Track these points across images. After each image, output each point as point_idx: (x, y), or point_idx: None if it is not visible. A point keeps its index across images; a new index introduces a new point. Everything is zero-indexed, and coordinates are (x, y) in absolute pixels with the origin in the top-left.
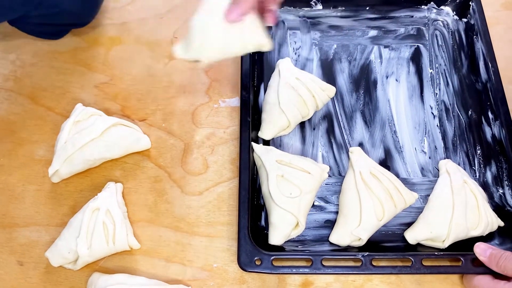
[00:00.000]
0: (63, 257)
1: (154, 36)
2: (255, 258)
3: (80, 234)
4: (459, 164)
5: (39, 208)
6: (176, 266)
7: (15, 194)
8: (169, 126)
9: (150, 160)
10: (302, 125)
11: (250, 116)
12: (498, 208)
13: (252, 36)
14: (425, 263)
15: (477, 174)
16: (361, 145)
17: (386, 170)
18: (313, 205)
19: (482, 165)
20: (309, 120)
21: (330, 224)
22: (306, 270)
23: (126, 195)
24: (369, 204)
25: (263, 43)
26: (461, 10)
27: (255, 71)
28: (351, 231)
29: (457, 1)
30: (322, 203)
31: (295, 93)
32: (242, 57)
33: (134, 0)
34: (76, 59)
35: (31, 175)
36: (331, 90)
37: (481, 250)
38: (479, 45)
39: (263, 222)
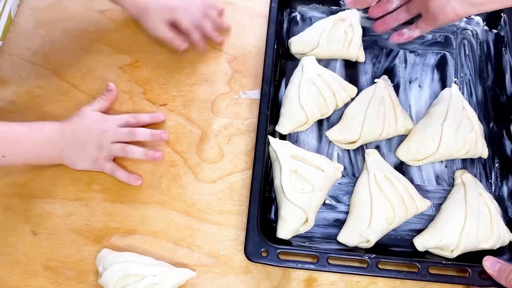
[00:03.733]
0: (303, 46)
1: None
2: (262, 249)
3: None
4: (475, 176)
5: (56, 182)
6: (184, 250)
7: (35, 166)
8: (189, 113)
9: (167, 144)
10: (320, 122)
11: (269, 110)
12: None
13: None
14: (432, 271)
15: (493, 187)
16: (377, 148)
17: (401, 175)
18: (324, 203)
19: (499, 179)
20: (328, 118)
21: (339, 224)
22: (312, 266)
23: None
24: (380, 207)
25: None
26: (492, 21)
27: (278, 65)
28: (360, 232)
29: (488, 11)
30: (334, 202)
31: (316, 90)
32: (266, 51)
33: None
34: (104, 39)
35: None
36: (352, 90)
37: (490, 264)
38: (507, 58)
39: (272, 215)
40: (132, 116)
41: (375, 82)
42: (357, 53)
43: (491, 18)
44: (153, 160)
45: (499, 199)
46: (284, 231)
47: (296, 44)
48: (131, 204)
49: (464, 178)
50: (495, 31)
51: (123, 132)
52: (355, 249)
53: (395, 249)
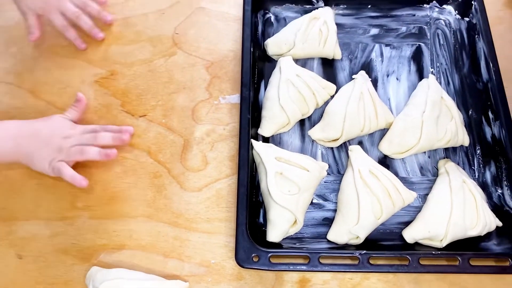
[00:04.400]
0: (279, 47)
1: (155, 31)
2: (253, 254)
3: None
4: (458, 164)
5: (39, 202)
6: (174, 262)
7: (16, 188)
8: (169, 122)
9: (150, 155)
10: (302, 122)
11: (250, 113)
12: (497, 208)
13: None
14: (423, 262)
15: (477, 174)
16: (360, 143)
17: (385, 169)
18: (312, 203)
19: (481, 165)
20: (309, 117)
21: (328, 222)
22: (304, 267)
23: (125, 190)
24: (367, 202)
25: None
26: (464, 9)
27: (256, 68)
28: (349, 229)
29: (460, 0)
30: (321, 201)
31: (296, 90)
32: (242, 54)
33: None
34: (78, 53)
35: (31, 170)
36: (331, 88)
37: None
38: (481, 45)
39: (261, 219)
40: (99, 126)
41: (353, 78)
42: (333, 50)
43: (463, 7)
44: (107, 159)
45: (483, 185)
46: (274, 234)
47: (272, 45)
48: (117, 219)
49: (448, 167)
50: (467, 19)
51: (85, 137)
52: (345, 247)
53: (385, 243)
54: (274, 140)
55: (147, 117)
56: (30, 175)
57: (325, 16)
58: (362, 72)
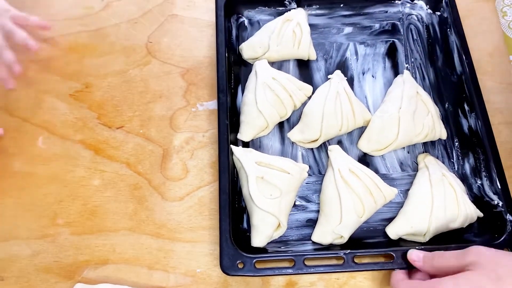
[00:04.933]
0: (254, 51)
1: (128, 41)
2: (238, 261)
3: (272, 34)
4: (437, 157)
5: (18, 222)
6: (159, 273)
7: None
8: (147, 132)
9: (129, 167)
10: (281, 125)
11: (228, 119)
12: (477, 199)
13: None
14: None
15: (456, 167)
16: (340, 143)
17: (365, 167)
18: (295, 205)
19: (460, 157)
20: (288, 120)
21: (312, 223)
22: (289, 270)
23: (105, 203)
24: (349, 201)
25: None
26: (435, 4)
27: (232, 73)
28: (333, 229)
29: None
30: (304, 203)
31: (272, 93)
32: (217, 60)
33: (107, 6)
34: (50, 68)
35: (8, 188)
36: (308, 89)
37: (415, 256)
38: (453, 38)
39: (245, 225)
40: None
41: (329, 78)
42: (308, 51)
43: (434, 1)
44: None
45: (463, 177)
46: (258, 239)
47: (247, 49)
48: (99, 233)
49: (427, 161)
50: (438, 13)
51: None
52: (330, 247)
53: (370, 241)
54: (254, 144)
55: (124, 129)
56: (7, 194)
57: (298, 17)
58: (338, 72)
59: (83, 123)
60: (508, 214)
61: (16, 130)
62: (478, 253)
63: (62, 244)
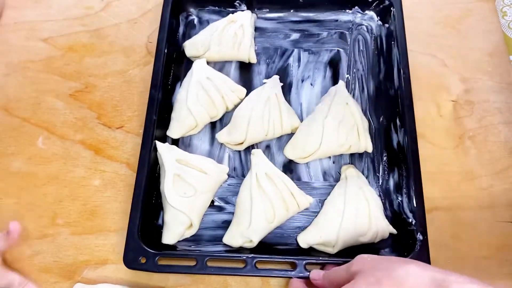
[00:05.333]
0: (196, 49)
1: (128, 41)
2: (141, 256)
3: (214, 34)
4: (363, 170)
5: (18, 221)
6: (159, 274)
7: None
8: None
9: (128, 167)
10: (213, 125)
11: (156, 114)
12: (396, 215)
13: None
14: (309, 267)
15: (380, 181)
16: (268, 147)
17: (283, 174)
18: (213, 206)
19: (386, 172)
20: (221, 120)
21: (227, 225)
22: (190, 270)
23: (105, 203)
24: (260, 206)
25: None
26: (384, 15)
27: (171, 69)
28: (242, 232)
29: (381, 6)
30: (222, 204)
31: (205, 93)
32: (156, 55)
33: (107, 6)
34: (50, 67)
35: (8, 188)
36: (241, 91)
37: (316, 276)
38: (395, 51)
39: (160, 221)
40: None
41: (264, 83)
42: (248, 54)
43: (384, 13)
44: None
45: (386, 192)
46: (168, 236)
47: (189, 47)
48: (99, 233)
49: (348, 172)
50: (387, 25)
51: None
52: (240, 250)
53: (281, 247)
54: (184, 142)
55: (124, 129)
56: (6, 194)
57: (243, 19)
58: (275, 77)
59: (83, 123)
60: (419, 234)
61: (16, 130)
62: (361, 261)
63: (62, 244)
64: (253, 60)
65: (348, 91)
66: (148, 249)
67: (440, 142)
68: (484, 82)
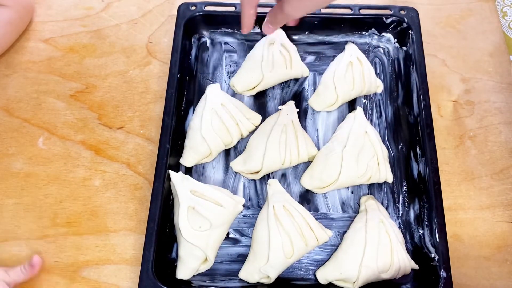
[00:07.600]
0: (248, 83)
1: (128, 42)
2: None
3: (262, 62)
4: (382, 201)
5: (18, 222)
6: None
7: None
8: (148, 133)
9: (129, 168)
10: (227, 152)
11: (170, 143)
12: (417, 249)
13: None
14: None
15: (400, 212)
16: (284, 176)
17: (301, 206)
18: (228, 238)
19: (406, 203)
20: (235, 147)
21: (243, 259)
22: None
23: (106, 204)
24: (278, 241)
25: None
26: (402, 38)
27: (184, 94)
28: (259, 268)
29: (398, 28)
30: (238, 236)
31: (219, 120)
32: (169, 81)
33: (107, 7)
34: (51, 68)
35: (8, 189)
36: (256, 118)
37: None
38: (414, 77)
39: (174, 254)
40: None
41: (280, 109)
42: (301, 68)
43: (401, 35)
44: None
45: (406, 224)
46: (183, 271)
47: (239, 84)
48: (99, 234)
49: (368, 204)
50: (405, 48)
51: None
52: (257, 286)
53: (299, 283)
54: (197, 170)
55: (124, 129)
56: (7, 195)
57: (280, 38)
58: (291, 102)
59: (83, 124)
60: (442, 270)
61: (17, 131)
62: None
63: (63, 245)
64: (306, 73)
65: (366, 116)
66: (163, 287)
67: (441, 142)
68: (484, 82)
